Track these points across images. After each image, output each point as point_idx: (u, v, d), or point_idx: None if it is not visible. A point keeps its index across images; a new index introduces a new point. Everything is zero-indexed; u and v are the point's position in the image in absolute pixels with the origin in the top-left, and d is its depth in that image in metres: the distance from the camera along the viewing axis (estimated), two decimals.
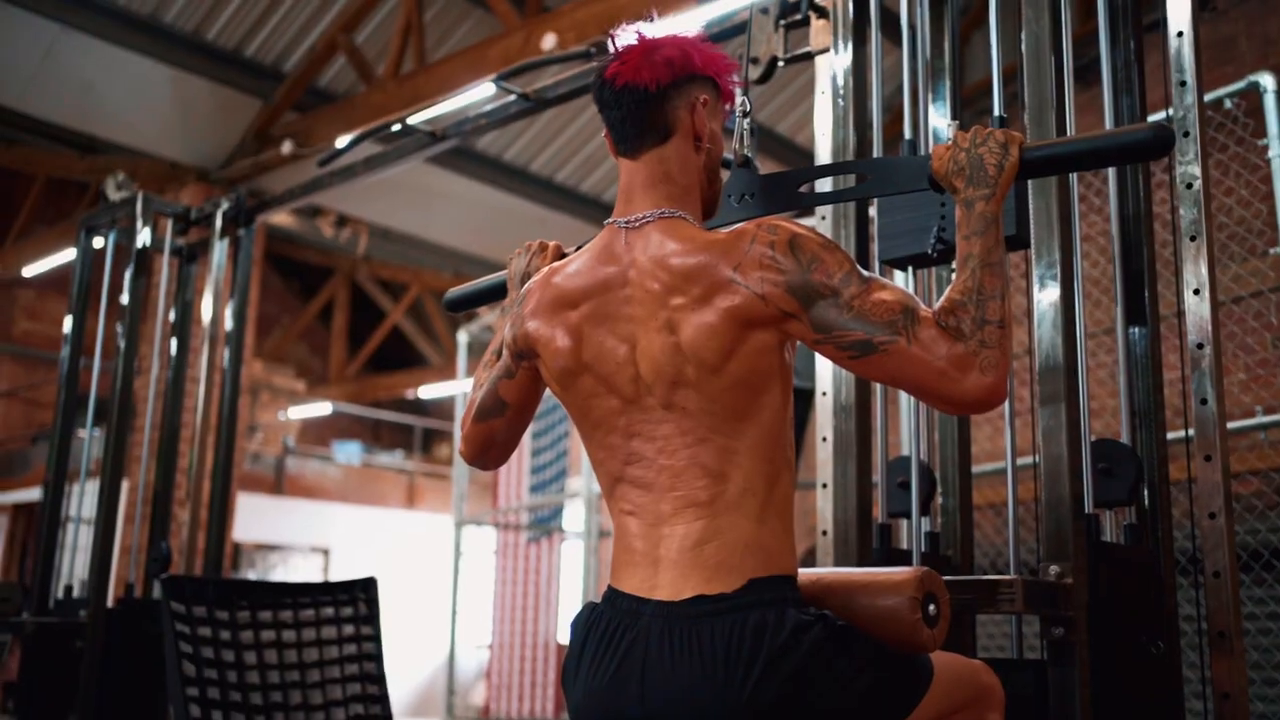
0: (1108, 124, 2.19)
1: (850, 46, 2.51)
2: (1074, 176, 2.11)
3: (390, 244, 11.97)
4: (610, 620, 1.51)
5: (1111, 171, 2.20)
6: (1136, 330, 2.15)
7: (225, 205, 4.32)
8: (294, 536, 13.00)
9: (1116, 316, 2.16)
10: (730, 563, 1.45)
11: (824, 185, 2.37)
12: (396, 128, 3.73)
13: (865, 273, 1.47)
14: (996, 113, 2.05)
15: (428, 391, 14.21)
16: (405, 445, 16.08)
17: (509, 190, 8.64)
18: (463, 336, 7.99)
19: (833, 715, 1.41)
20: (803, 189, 1.76)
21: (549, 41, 5.44)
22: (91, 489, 4.18)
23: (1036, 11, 2.12)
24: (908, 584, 1.52)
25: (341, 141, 3.92)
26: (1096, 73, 2.16)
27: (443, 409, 15.67)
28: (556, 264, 1.66)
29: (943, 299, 1.44)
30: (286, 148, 6.86)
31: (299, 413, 14.52)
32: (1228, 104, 4.09)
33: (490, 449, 1.76)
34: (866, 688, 1.44)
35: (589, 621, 1.54)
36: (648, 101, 1.58)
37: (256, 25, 7.34)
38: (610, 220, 1.61)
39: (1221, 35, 6.51)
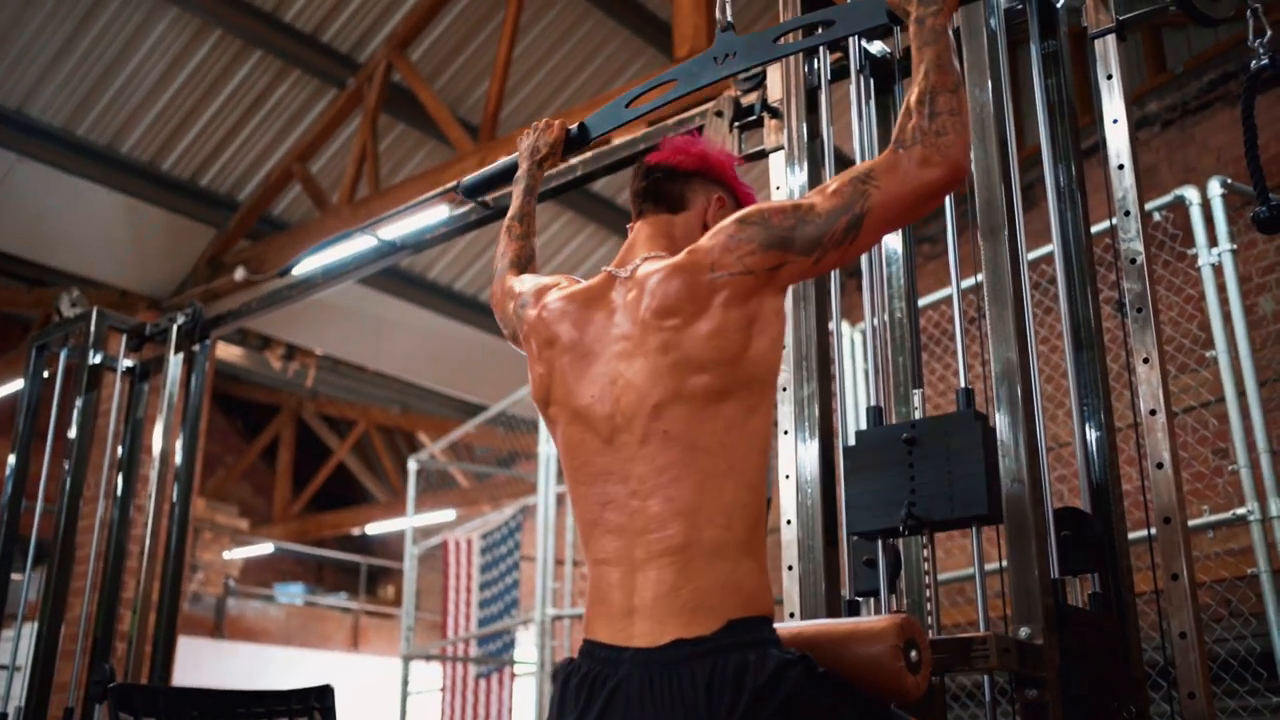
0: (1054, 238, 2.29)
1: (805, 163, 2.59)
2: (1024, 246, 2.19)
3: (338, 377, 11.93)
4: (589, 671, 1.49)
5: (1058, 250, 2.29)
6: (1089, 402, 2.22)
7: (181, 319, 4.31)
8: (234, 682, 12.54)
9: (1069, 388, 2.23)
10: (707, 605, 1.45)
11: None
12: (359, 236, 3.79)
13: (807, 195, 1.61)
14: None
15: (374, 528, 13.97)
16: (349, 586, 15.71)
17: (460, 319, 8.69)
18: (413, 465, 7.91)
19: None
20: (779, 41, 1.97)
21: None
22: (28, 631, 4.03)
23: (984, 137, 2.18)
24: (889, 632, 1.52)
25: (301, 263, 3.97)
26: (1041, 189, 2.29)
27: (388, 548, 15.37)
28: (549, 285, 1.77)
29: (899, 116, 1.57)
30: (239, 274, 6.89)
31: (241, 552, 14.19)
32: (1156, 217, 4.26)
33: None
34: None
35: (567, 676, 1.52)
36: (672, 177, 1.76)
37: (212, 155, 7.44)
38: (607, 268, 1.69)
39: (1145, 164, 6.82)
